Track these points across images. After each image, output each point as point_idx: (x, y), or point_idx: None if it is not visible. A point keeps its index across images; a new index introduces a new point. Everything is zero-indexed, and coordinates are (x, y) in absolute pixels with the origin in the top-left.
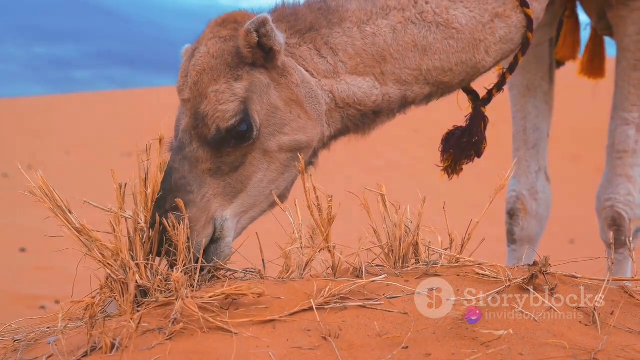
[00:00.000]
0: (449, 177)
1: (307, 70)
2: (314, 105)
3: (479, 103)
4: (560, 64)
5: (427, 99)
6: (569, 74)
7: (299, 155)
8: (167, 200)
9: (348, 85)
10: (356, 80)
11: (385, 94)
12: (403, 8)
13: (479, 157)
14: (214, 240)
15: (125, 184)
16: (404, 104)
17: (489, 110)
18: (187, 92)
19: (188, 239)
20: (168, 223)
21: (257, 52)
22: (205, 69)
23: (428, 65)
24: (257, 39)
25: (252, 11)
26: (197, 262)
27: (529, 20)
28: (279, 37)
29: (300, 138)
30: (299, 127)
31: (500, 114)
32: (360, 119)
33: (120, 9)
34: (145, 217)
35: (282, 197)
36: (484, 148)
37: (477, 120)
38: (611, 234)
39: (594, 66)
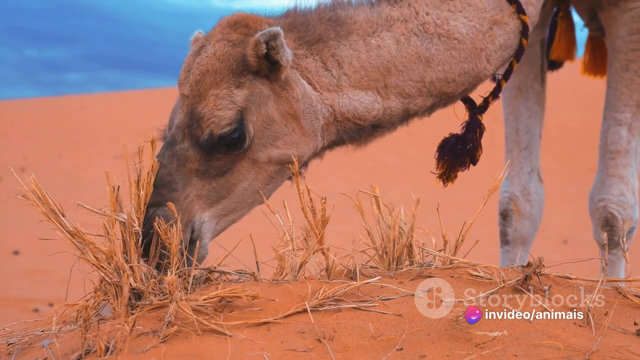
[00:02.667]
0: (444, 184)
1: (309, 83)
2: (310, 120)
3: (475, 111)
4: (556, 65)
5: (430, 110)
6: (561, 74)
7: (288, 165)
8: (151, 194)
9: (350, 100)
10: (358, 94)
11: (387, 107)
12: (405, 19)
13: (474, 164)
14: (192, 241)
15: (119, 187)
16: (406, 116)
17: None
18: (187, 88)
19: (181, 242)
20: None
21: (263, 63)
22: (208, 71)
23: (431, 76)
24: (265, 50)
25: (264, 15)
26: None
27: (524, 26)
28: (287, 53)
29: (291, 152)
30: (292, 142)
31: (493, 115)
32: (356, 132)
33: (113, 11)
34: (139, 219)
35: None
36: (479, 155)
37: (473, 128)
38: (604, 234)
39: (597, 64)
